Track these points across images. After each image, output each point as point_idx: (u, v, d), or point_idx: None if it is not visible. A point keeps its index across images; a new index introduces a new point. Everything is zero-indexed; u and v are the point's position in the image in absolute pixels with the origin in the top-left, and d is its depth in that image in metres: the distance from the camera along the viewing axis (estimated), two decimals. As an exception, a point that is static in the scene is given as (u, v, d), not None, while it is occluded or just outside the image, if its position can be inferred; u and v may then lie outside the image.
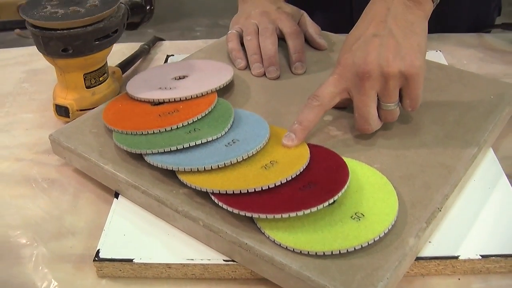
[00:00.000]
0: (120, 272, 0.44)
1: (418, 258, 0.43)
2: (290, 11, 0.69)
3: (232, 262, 0.43)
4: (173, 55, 0.74)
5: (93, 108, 0.62)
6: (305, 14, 0.71)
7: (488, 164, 0.52)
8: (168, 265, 0.44)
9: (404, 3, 0.50)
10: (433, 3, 0.51)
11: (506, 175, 0.51)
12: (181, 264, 0.44)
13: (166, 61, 0.73)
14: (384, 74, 0.47)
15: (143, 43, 0.77)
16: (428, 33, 0.58)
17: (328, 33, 0.73)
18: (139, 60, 0.75)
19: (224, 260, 0.43)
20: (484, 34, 0.79)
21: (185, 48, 0.77)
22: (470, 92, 0.58)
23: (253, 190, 0.43)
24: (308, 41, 0.69)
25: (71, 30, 0.56)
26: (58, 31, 0.56)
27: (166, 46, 0.79)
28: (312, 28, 0.69)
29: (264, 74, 0.63)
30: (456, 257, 0.43)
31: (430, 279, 0.43)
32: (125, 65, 0.71)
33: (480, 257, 0.42)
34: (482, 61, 0.72)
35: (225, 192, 0.43)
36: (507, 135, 0.57)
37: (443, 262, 0.43)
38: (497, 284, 0.42)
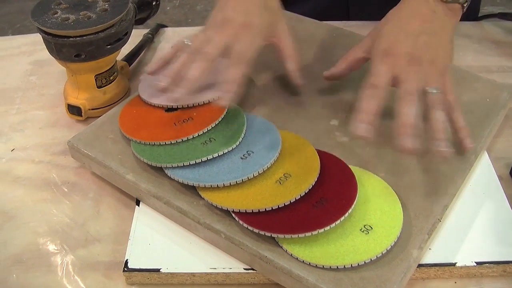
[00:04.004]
0: (148, 280, 0.48)
1: (420, 265, 0.47)
2: (259, 23, 0.56)
3: (252, 271, 0.47)
4: (177, 46, 0.75)
5: (104, 107, 0.64)
6: (283, 28, 0.60)
7: (483, 168, 0.56)
8: (193, 274, 0.48)
9: (445, 11, 0.54)
10: (462, 12, 0.56)
11: (499, 176, 0.55)
12: (205, 273, 0.48)
13: (171, 53, 0.74)
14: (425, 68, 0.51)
15: (145, 31, 0.78)
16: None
17: (337, 26, 0.74)
18: (144, 50, 0.76)
19: (244, 269, 0.48)
20: (481, 22, 0.81)
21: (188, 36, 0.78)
22: (467, 94, 0.62)
23: (271, 209, 0.47)
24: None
25: (84, 37, 0.57)
26: (71, 39, 0.57)
27: (169, 34, 0.80)
28: (289, 61, 0.60)
29: (163, 90, 0.56)
30: (454, 264, 0.47)
31: (429, 282, 0.48)
32: (131, 57, 0.72)
33: (475, 264, 0.47)
34: (477, 52, 0.75)
35: (244, 211, 0.47)
36: (499, 135, 0.61)
37: (442, 268, 0.47)
38: (489, 287, 0.47)
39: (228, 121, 0.56)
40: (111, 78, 0.64)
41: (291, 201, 0.47)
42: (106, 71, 0.62)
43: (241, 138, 0.53)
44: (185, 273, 0.48)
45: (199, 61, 0.54)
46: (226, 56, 0.54)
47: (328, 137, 0.57)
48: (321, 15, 0.77)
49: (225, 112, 0.56)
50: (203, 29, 0.58)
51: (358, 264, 0.44)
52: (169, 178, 0.51)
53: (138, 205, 0.53)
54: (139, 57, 0.74)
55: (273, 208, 0.47)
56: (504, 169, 0.58)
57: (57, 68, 0.72)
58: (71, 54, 0.58)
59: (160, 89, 0.56)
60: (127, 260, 0.48)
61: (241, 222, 0.46)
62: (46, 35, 0.57)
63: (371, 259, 0.44)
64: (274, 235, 0.45)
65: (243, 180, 0.49)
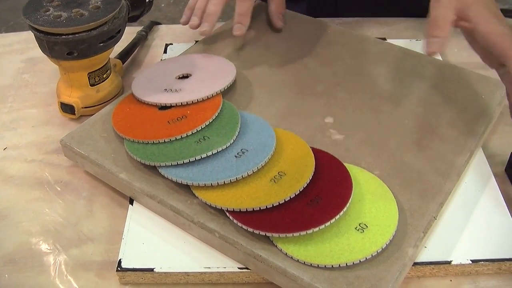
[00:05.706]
0: (141, 280, 0.48)
1: (415, 264, 0.47)
2: None
3: (246, 270, 0.47)
4: (171, 44, 0.75)
5: (98, 105, 0.64)
6: None
7: (478, 165, 0.56)
8: (187, 273, 0.47)
9: None
10: None
11: (494, 173, 0.55)
12: (199, 272, 0.47)
13: (165, 50, 0.73)
14: None
15: (139, 28, 0.77)
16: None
17: (332, 23, 0.74)
18: (137, 48, 0.75)
19: (239, 268, 0.47)
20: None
21: (182, 34, 0.78)
22: (462, 91, 0.61)
23: (265, 207, 0.46)
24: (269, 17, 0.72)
25: (76, 35, 0.56)
26: (63, 36, 0.56)
27: (163, 31, 0.79)
28: (274, 5, 0.71)
29: (196, 28, 0.69)
30: (449, 262, 0.47)
31: (424, 280, 0.48)
32: (124, 55, 0.71)
33: (471, 262, 0.47)
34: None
35: (239, 210, 0.46)
36: (494, 132, 0.61)
37: (437, 267, 0.47)
38: (485, 285, 0.47)
39: (222, 119, 0.55)
40: (104, 76, 0.63)
41: (286, 200, 0.47)
42: (99, 69, 0.62)
43: (235, 136, 0.53)
44: (179, 272, 0.47)
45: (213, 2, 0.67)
46: None
47: (323, 134, 0.56)
48: (309, 12, 0.77)
49: (219, 110, 0.56)
50: None
51: (353, 263, 0.44)
52: (163, 177, 0.51)
53: (132, 204, 0.53)
54: (132, 54, 0.73)
55: (268, 207, 0.46)
56: (499, 166, 0.57)
57: (49, 66, 0.71)
58: (63, 52, 0.57)
59: (192, 27, 0.69)
60: (120, 259, 0.48)
61: (235, 221, 0.46)
62: (38, 33, 0.57)
63: (366, 258, 0.44)
64: (268, 234, 0.45)
65: (237, 179, 0.49)
